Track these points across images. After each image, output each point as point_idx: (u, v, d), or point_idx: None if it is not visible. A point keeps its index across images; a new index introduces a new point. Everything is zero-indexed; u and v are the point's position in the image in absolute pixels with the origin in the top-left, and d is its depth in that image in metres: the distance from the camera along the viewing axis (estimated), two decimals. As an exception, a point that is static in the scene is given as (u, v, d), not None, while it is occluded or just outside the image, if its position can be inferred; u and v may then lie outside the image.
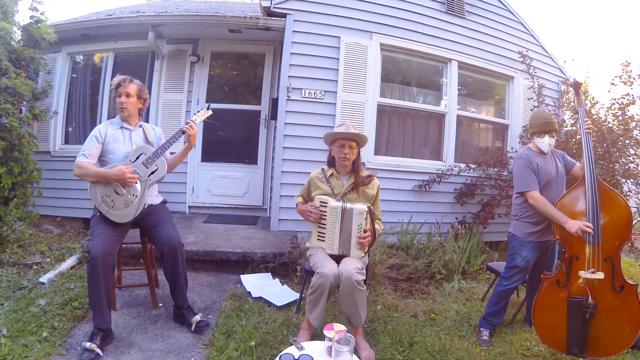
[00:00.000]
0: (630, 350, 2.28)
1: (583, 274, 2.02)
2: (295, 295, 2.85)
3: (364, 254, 2.22)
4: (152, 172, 2.29)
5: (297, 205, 2.46)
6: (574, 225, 2.09)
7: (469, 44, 4.61)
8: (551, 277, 2.18)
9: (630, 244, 2.35)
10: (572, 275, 2.09)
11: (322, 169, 2.42)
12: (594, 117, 4.42)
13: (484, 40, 4.70)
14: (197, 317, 2.29)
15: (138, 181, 2.24)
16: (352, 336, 1.56)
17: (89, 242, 2.29)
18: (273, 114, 4.44)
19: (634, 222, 2.13)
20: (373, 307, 2.79)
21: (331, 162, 2.42)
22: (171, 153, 2.47)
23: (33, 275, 3.00)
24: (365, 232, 2.18)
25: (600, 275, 1.99)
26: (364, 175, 2.36)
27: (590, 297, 2.00)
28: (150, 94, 2.55)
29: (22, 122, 3.43)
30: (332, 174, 2.37)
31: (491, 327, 2.52)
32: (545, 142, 2.44)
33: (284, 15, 4.03)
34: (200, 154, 4.65)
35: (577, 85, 2.51)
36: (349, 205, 2.19)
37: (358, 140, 2.33)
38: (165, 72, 4.55)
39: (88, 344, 1.94)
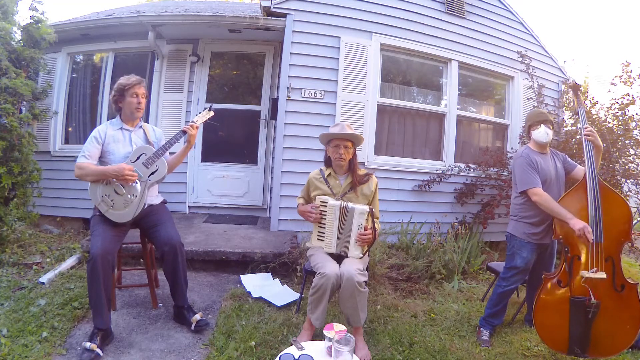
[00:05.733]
0: (630, 350, 2.28)
1: (585, 273, 2.02)
2: (295, 295, 2.85)
3: (362, 255, 2.22)
4: (152, 173, 2.29)
5: (297, 206, 2.47)
6: (578, 223, 2.08)
7: (469, 44, 4.61)
8: (552, 277, 2.18)
9: (630, 244, 2.35)
10: (573, 275, 2.09)
11: (320, 170, 2.43)
12: (593, 117, 4.41)
13: (484, 40, 4.70)
14: (197, 317, 2.28)
15: (138, 181, 2.24)
16: (352, 336, 1.56)
17: (89, 242, 2.29)
18: (273, 114, 4.44)
19: (634, 222, 2.14)
20: (373, 307, 2.79)
21: (328, 162, 2.43)
22: (171, 153, 2.47)
23: (33, 275, 3.00)
24: (365, 229, 2.18)
25: (602, 274, 1.99)
26: (361, 174, 2.36)
27: (592, 296, 2.00)
28: (150, 94, 2.56)
29: (22, 122, 3.43)
30: (329, 174, 2.38)
31: (491, 327, 2.52)
32: (542, 131, 2.40)
33: (284, 15, 4.03)
34: (200, 154, 4.65)
35: (576, 87, 2.52)
36: (349, 204, 2.20)
37: (353, 140, 2.33)
38: (165, 72, 4.55)
39: (88, 344, 1.94)
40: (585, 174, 2.20)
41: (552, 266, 2.58)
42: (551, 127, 2.44)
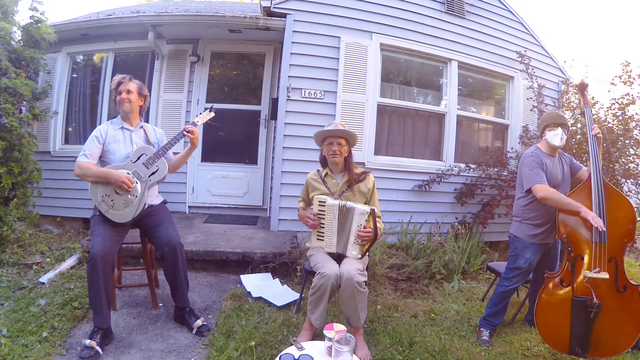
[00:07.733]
0: (630, 350, 2.28)
1: (588, 273, 2.02)
2: (295, 295, 2.84)
3: (360, 255, 2.21)
4: (153, 173, 2.28)
5: (298, 210, 2.47)
6: (589, 213, 2.06)
7: (469, 44, 4.61)
8: (555, 276, 2.17)
9: (631, 244, 2.34)
10: (576, 275, 2.09)
11: (318, 170, 2.44)
12: (593, 117, 4.40)
13: (484, 40, 4.70)
14: (199, 322, 2.28)
15: (138, 181, 2.24)
16: (352, 336, 1.56)
17: (89, 242, 2.29)
18: (273, 114, 4.44)
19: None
20: (373, 307, 2.79)
21: (323, 162, 2.44)
22: (174, 153, 2.47)
23: (33, 275, 2.99)
24: (365, 227, 2.17)
25: (605, 275, 1.99)
26: (357, 172, 2.37)
27: (594, 296, 2.00)
28: (150, 94, 2.56)
29: (22, 122, 3.42)
30: (326, 173, 2.39)
31: (491, 327, 2.51)
32: (559, 133, 2.35)
33: (284, 15, 4.03)
34: (200, 154, 4.65)
35: (583, 87, 2.51)
36: (349, 203, 2.19)
37: (346, 137, 2.34)
38: (165, 72, 4.55)
39: (88, 342, 1.94)
40: (589, 174, 2.20)
41: (555, 266, 2.57)
42: (566, 131, 2.40)
